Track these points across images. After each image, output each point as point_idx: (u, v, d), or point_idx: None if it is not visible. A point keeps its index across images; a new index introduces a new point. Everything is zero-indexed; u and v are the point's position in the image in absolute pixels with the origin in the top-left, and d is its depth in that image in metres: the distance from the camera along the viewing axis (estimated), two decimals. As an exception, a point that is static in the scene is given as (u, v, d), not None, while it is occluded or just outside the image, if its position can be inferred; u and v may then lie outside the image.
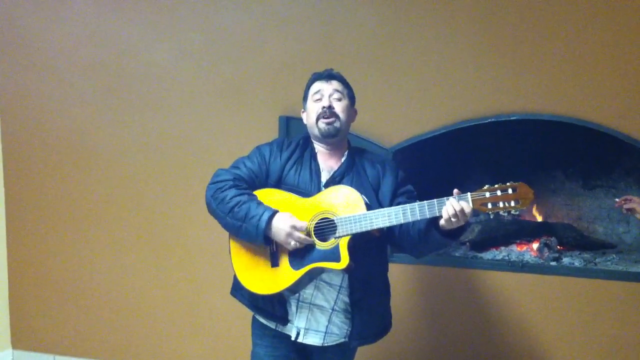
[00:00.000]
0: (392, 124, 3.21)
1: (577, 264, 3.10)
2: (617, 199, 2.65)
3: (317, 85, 2.38)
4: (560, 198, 3.66)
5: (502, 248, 3.33)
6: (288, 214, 2.20)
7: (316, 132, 2.35)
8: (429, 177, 3.33)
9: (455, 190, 2.11)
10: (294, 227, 2.17)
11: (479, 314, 3.13)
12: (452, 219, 2.07)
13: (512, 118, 3.03)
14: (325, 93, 2.35)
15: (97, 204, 3.73)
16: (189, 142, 3.52)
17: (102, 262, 3.76)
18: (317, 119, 2.33)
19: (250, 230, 2.19)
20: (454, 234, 2.16)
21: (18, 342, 3.98)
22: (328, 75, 2.39)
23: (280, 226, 2.17)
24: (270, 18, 3.35)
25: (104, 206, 3.72)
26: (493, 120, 3.05)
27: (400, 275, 3.24)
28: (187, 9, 3.47)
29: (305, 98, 2.43)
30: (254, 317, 2.46)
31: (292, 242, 2.17)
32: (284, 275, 2.22)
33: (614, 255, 3.22)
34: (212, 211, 2.31)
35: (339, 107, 2.34)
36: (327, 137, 2.34)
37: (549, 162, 3.64)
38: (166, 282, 3.63)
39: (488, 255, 3.25)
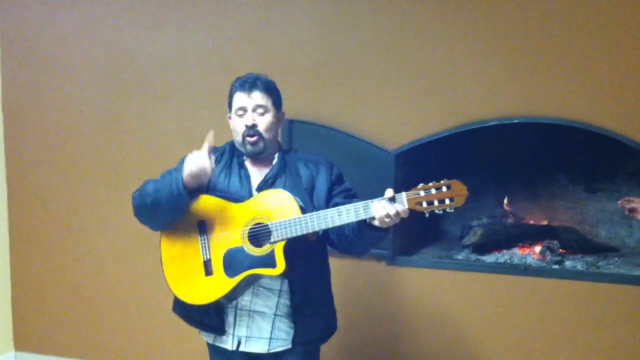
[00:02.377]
0: (395, 127, 3.21)
1: (579, 267, 3.09)
2: (619, 201, 2.64)
3: (239, 99, 2.30)
4: (563, 201, 3.65)
5: (505, 251, 3.32)
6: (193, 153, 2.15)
7: (244, 150, 2.32)
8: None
9: (388, 190, 2.07)
10: (194, 156, 2.12)
11: (481, 317, 3.13)
12: (386, 219, 2.04)
13: (514, 121, 3.03)
14: (248, 108, 2.29)
15: (100, 206, 3.74)
16: (192, 143, 3.49)
17: (105, 264, 3.76)
18: (243, 138, 2.29)
19: (170, 185, 2.13)
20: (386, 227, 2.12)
21: (20, 343, 3.99)
22: (250, 87, 2.29)
23: (187, 161, 2.12)
24: (274, 19, 3.36)
25: (106, 208, 3.73)
26: (496, 123, 3.05)
27: (402, 278, 3.24)
28: (189, 9, 3.48)
29: (229, 105, 2.36)
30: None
31: (196, 158, 2.11)
32: (219, 284, 2.18)
33: (617, 259, 3.21)
34: (139, 211, 2.27)
35: (263, 124, 2.28)
36: (254, 156, 2.32)
37: (552, 166, 3.64)
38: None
39: (490, 258, 3.24)
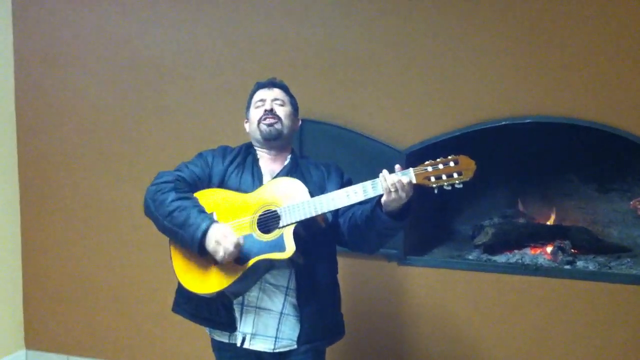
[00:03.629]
0: (406, 126, 3.20)
1: (591, 267, 3.07)
2: (631, 202, 2.62)
3: (260, 93, 2.42)
4: (574, 201, 3.63)
5: (516, 251, 3.30)
6: (226, 227, 2.14)
7: (258, 135, 2.37)
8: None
9: (397, 166, 2.09)
10: (225, 237, 2.10)
11: (493, 317, 3.12)
12: (391, 190, 2.04)
13: (526, 121, 3.02)
14: (267, 99, 2.38)
15: (112, 206, 3.75)
16: (201, 143, 3.52)
17: (116, 263, 3.78)
18: (259, 122, 2.35)
19: (187, 238, 2.15)
20: (400, 215, 2.13)
21: (31, 342, 4.01)
22: (270, 84, 2.44)
23: (212, 236, 2.11)
24: (285, 19, 3.36)
25: (118, 208, 3.74)
26: (507, 123, 3.04)
27: (413, 278, 3.23)
28: (202, 10, 3.49)
29: (248, 107, 2.45)
30: (211, 340, 2.43)
31: (220, 253, 2.10)
32: (228, 272, 2.17)
33: (629, 259, 3.19)
34: (149, 213, 2.26)
35: (282, 112, 2.37)
36: (269, 140, 2.35)
37: (564, 166, 3.62)
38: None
39: (502, 258, 3.23)
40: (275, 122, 2.34)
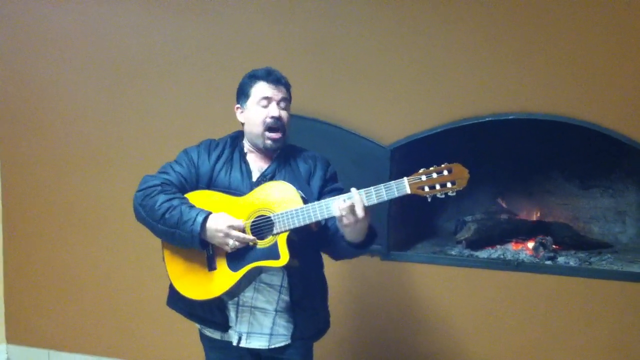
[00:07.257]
0: (391, 122, 3.21)
1: (572, 263, 3.10)
2: None
3: (265, 89, 2.27)
4: (556, 198, 3.66)
5: (498, 247, 3.33)
6: (223, 214, 2.15)
7: (260, 144, 2.29)
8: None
9: (352, 189, 2.08)
10: (231, 227, 2.12)
11: (474, 312, 3.14)
12: (342, 215, 2.02)
13: (509, 117, 3.03)
14: (274, 99, 2.27)
15: (93, 200, 3.73)
16: (188, 141, 3.49)
17: (98, 257, 3.75)
18: (264, 132, 2.26)
19: (185, 235, 2.13)
20: (361, 244, 2.14)
21: (13, 336, 3.98)
22: (277, 79, 2.29)
23: (216, 227, 2.12)
24: (271, 15, 3.35)
25: (100, 201, 3.72)
26: (491, 119, 3.05)
27: (396, 273, 3.24)
28: (187, 6, 3.47)
29: (245, 95, 2.31)
30: (200, 333, 2.43)
31: (231, 242, 2.12)
32: (223, 278, 2.18)
33: (610, 255, 3.22)
34: (141, 219, 2.24)
35: (285, 117, 2.29)
36: (271, 151, 2.31)
37: (546, 162, 3.65)
38: (162, 277, 3.62)
39: (484, 253, 3.25)
40: (281, 137, 2.27)
